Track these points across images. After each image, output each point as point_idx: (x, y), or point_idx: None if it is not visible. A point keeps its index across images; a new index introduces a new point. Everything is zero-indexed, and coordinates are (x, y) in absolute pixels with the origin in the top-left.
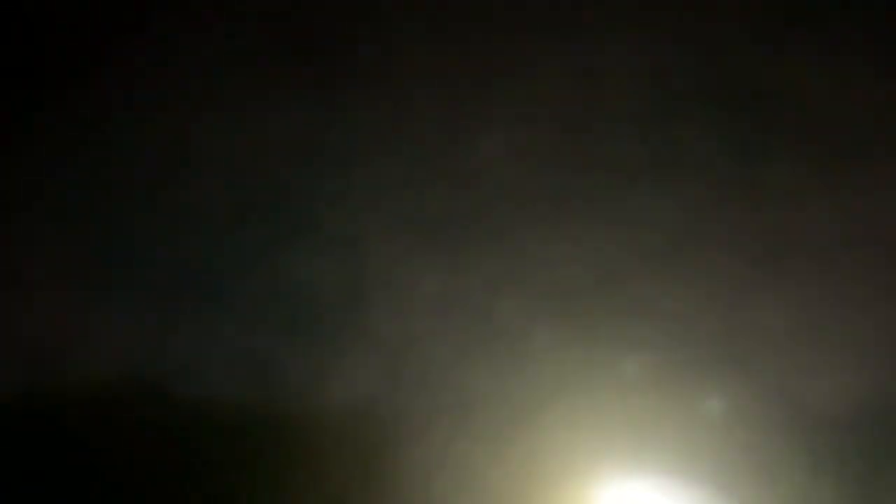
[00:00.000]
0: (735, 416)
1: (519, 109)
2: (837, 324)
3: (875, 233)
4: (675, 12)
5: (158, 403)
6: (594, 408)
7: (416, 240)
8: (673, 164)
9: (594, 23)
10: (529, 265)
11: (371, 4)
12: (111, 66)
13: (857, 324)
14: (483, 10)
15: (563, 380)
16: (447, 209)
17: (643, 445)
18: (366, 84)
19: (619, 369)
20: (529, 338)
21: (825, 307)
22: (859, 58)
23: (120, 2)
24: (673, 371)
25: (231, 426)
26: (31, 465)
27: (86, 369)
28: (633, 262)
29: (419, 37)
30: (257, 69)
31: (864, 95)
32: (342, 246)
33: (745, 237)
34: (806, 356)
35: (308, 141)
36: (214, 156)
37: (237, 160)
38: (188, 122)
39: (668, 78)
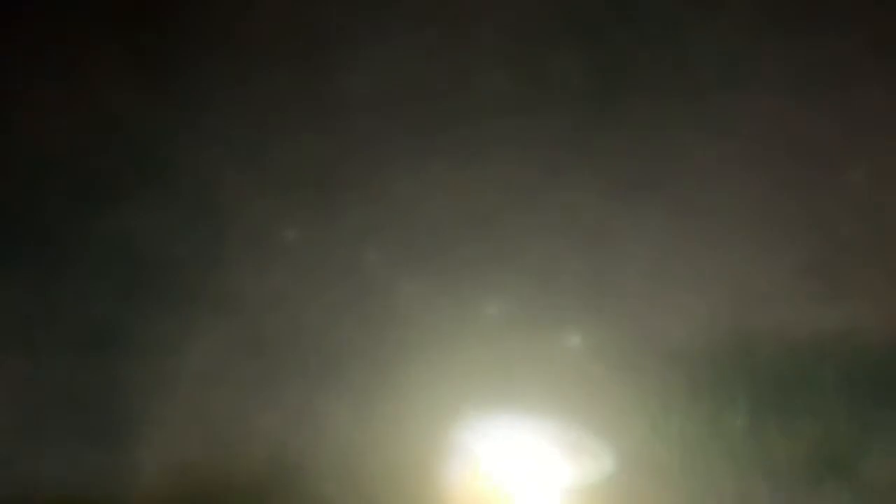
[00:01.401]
0: (593, 354)
1: (381, 46)
2: (692, 262)
3: (737, 172)
4: None
5: None
6: (459, 354)
7: (275, 191)
8: (539, 99)
9: None
10: (394, 213)
11: None
12: None
13: (712, 261)
14: None
15: (429, 329)
16: (306, 157)
17: (506, 387)
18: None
19: (482, 315)
20: (395, 290)
21: (681, 245)
22: None
23: None
24: (534, 313)
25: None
26: None
27: None
28: (498, 203)
29: None
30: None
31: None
32: (194, 200)
33: (607, 176)
34: (662, 294)
35: (155, 82)
36: (49, 101)
37: (78, 104)
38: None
39: (532, 9)
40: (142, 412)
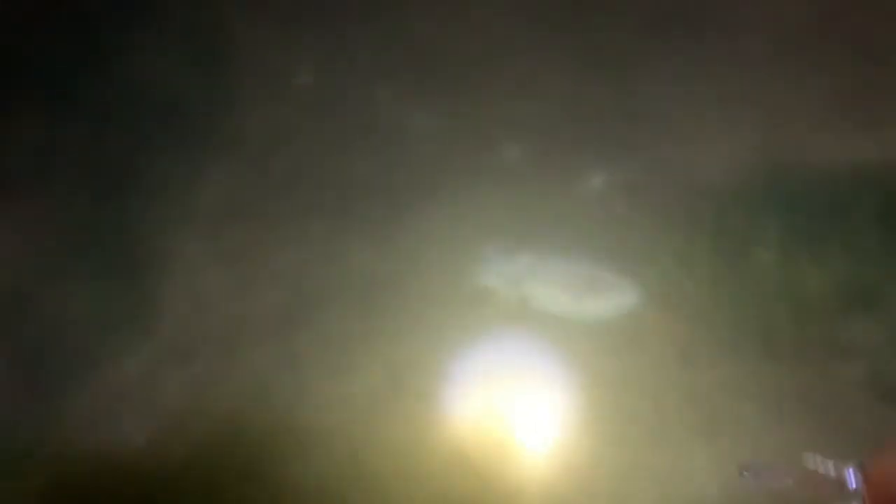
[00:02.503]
0: (615, 192)
1: None
2: (722, 90)
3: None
4: None
5: None
6: (475, 193)
7: (285, 25)
8: None
9: None
10: (408, 47)
11: None
12: None
13: (743, 88)
14: None
15: (444, 167)
16: None
17: (525, 227)
18: None
19: (499, 152)
20: (407, 125)
21: (710, 72)
22: None
23: None
24: (554, 151)
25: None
26: None
27: None
28: (518, 35)
29: None
30: None
31: None
32: (205, 38)
33: (632, 2)
34: (690, 125)
35: None
36: None
37: None
38: None
39: None
40: (161, 250)
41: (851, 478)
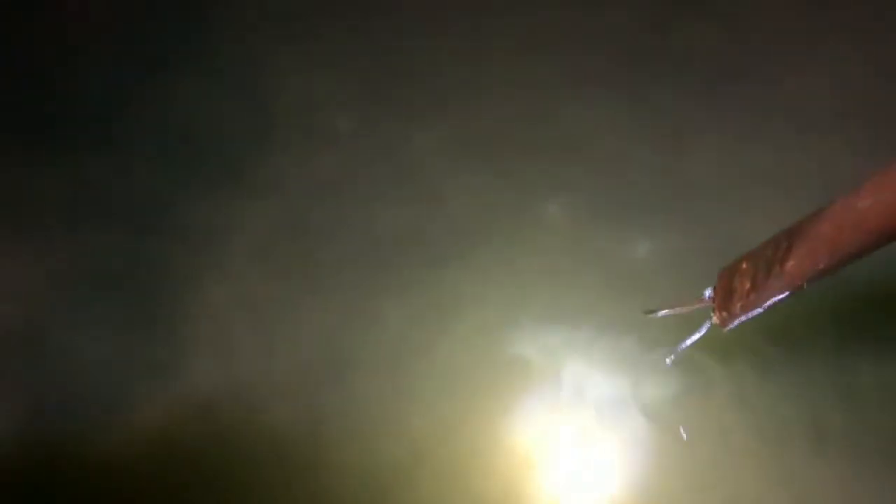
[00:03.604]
0: (664, 262)
1: None
2: (777, 155)
3: (827, 56)
4: None
5: None
6: (512, 254)
7: (326, 70)
8: None
9: None
10: (449, 97)
11: None
12: None
13: (799, 155)
14: None
15: (481, 224)
16: (359, 38)
17: (563, 295)
18: None
19: (540, 212)
20: (446, 178)
21: (764, 136)
22: None
23: None
24: (599, 215)
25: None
26: None
27: None
28: (563, 90)
29: None
30: None
31: None
32: (238, 79)
33: (683, 63)
34: (742, 193)
35: None
36: None
37: None
38: None
39: None
40: (186, 297)
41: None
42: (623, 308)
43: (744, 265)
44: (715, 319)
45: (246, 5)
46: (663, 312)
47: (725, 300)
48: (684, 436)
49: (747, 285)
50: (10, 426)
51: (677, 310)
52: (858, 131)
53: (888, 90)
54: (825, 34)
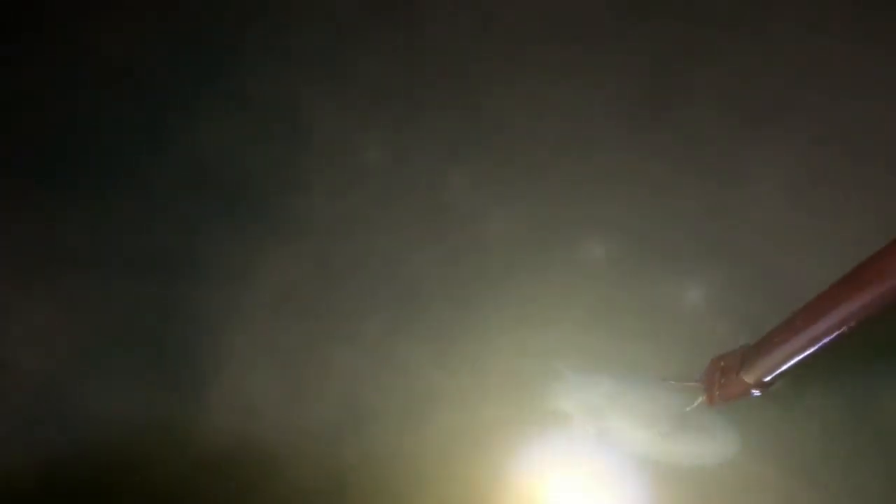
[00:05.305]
0: (712, 307)
1: None
2: (835, 195)
3: (890, 86)
4: None
5: None
6: (549, 297)
7: (357, 104)
8: (650, 9)
9: None
10: (483, 133)
11: None
12: None
13: (859, 195)
14: None
15: (518, 266)
16: (391, 68)
17: (603, 344)
18: None
19: (579, 253)
20: (480, 217)
21: (821, 176)
22: None
23: None
24: (641, 255)
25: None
26: None
27: None
28: (604, 122)
29: None
30: None
31: None
32: (266, 114)
33: (733, 94)
34: (792, 234)
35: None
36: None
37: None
38: None
39: None
40: (208, 344)
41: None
42: (666, 360)
43: (721, 362)
44: (703, 399)
45: (275, 41)
46: (671, 384)
47: (709, 386)
48: None
49: (722, 380)
50: (28, 474)
51: (683, 384)
52: None
53: None
54: (877, 60)
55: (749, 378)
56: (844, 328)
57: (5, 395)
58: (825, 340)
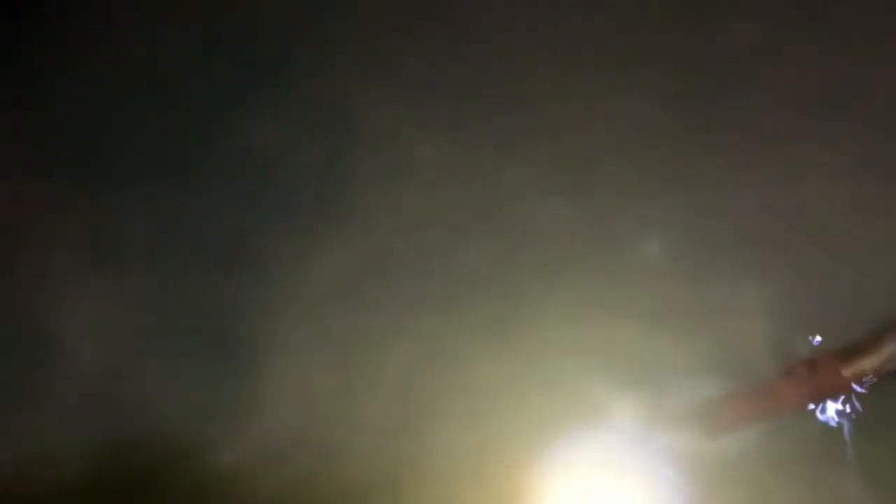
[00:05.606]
0: (774, 309)
1: None
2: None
3: None
4: None
5: None
6: (603, 295)
7: (410, 99)
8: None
9: None
10: (538, 128)
11: None
12: None
13: None
14: None
15: (572, 261)
16: (442, 68)
17: (659, 346)
18: None
19: (636, 252)
20: (534, 215)
21: (880, 173)
22: None
23: None
24: (700, 255)
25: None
26: None
27: None
28: (661, 116)
29: None
30: None
31: None
32: (321, 111)
33: (800, 84)
34: (860, 234)
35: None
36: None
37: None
38: None
39: None
40: (266, 336)
41: None
42: (723, 360)
43: (811, 358)
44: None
45: (328, 38)
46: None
47: (793, 384)
48: None
49: (813, 374)
50: (88, 461)
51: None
52: None
53: None
54: None
55: (852, 371)
56: None
57: (69, 382)
58: None
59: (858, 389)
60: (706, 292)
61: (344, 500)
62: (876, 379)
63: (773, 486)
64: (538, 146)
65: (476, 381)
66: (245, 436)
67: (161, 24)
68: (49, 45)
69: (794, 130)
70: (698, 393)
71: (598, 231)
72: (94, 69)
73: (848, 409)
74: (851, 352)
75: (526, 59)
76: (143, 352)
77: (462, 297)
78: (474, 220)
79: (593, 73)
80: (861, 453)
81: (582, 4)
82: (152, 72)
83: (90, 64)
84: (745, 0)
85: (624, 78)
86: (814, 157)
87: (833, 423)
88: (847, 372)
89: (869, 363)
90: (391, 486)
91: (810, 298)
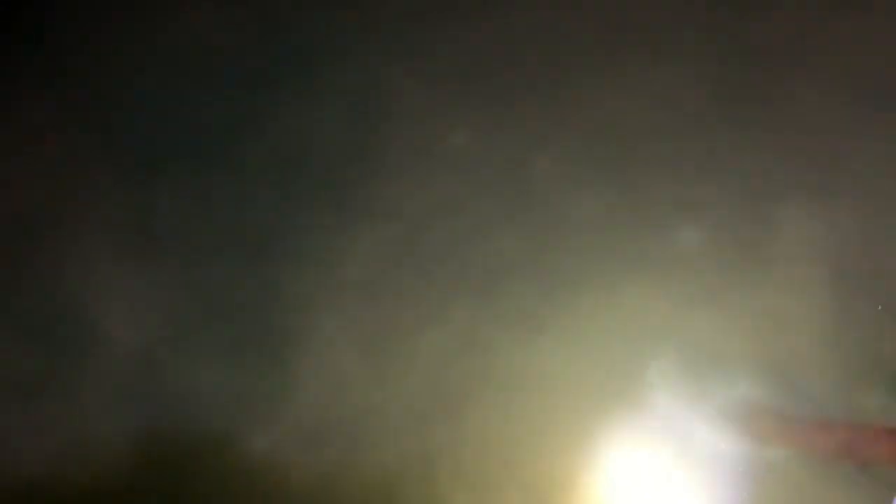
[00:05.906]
0: (816, 299)
1: None
2: None
3: None
4: None
5: None
6: (642, 285)
7: (443, 89)
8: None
9: None
10: (573, 117)
11: None
12: None
13: None
14: None
15: (607, 250)
16: (476, 53)
17: (698, 334)
18: None
19: (673, 240)
20: (568, 201)
21: None
22: None
23: None
24: (737, 242)
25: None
26: None
27: None
28: (697, 103)
29: None
30: None
31: None
32: (353, 97)
33: (845, 66)
34: None
35: None
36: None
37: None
38: None
39: None
40: (299, 325)
41: None
42: (761, 350)
43: None
44: None
45: (361, 24)
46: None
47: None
48: None
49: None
50: (126, 447)
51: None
52: None
53: None
54: None
55: None
56: None
57: (106, 369)
58: None
59: None
60: (742, 280)
61: (377, 487)
62: None
63: (813, 486)
64: (572, 136)
65: (509, 369)
66: (279, 423)
67: (194, 10)
68: (82, 30)
69: (836, 122)
70: (738, 388)
71: (633, 220)
72: (128, 58)
73: None
74: None
75: (562, 50)
76: (178, 341)
77: (496, 286)
78: (508, 207)
79: (630, 64)
80: None
81: None
82: (189, 62)
83: (125, 53)
84: None
85: (660, 68)
86: (857, 149)
87: None
88: None
89: None
90: (424, 474)
91: (852, 290)
